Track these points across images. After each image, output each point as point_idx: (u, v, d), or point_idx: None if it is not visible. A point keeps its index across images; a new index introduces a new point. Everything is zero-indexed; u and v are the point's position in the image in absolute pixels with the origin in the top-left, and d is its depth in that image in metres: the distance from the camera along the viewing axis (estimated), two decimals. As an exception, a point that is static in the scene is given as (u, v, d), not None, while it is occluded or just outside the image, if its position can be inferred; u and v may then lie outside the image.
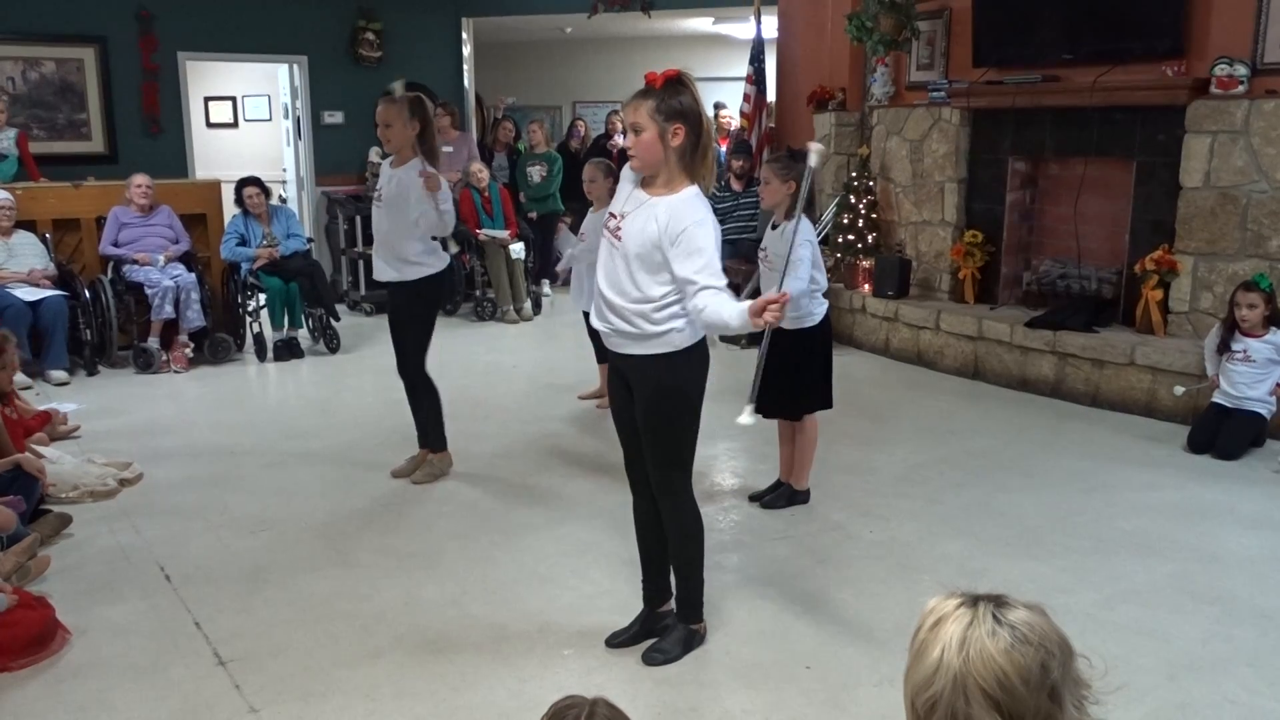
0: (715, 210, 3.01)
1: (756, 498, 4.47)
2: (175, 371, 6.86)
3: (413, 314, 4.66)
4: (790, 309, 3.93)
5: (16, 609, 3.17)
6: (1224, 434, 4.98)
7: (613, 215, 2.99)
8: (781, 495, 4.42)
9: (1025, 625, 1.25)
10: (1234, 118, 5.40)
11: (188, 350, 6.97)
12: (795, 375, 4.19)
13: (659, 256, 2.84)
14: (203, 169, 9.40)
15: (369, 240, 6.43)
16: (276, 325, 7.33)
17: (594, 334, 4.29)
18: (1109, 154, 6.14)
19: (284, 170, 10.53)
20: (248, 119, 11.62)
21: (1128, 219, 6.07)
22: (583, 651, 3.20)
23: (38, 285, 6.64)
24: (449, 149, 8.76)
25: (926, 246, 7.32)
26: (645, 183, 2.95)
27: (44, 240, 6.97)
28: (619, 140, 9.57)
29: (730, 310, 2.74)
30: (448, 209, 4.52)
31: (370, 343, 7.66)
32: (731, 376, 5.39)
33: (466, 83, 10.44)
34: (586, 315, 4.38)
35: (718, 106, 10.69)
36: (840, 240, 7.61)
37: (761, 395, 3.67)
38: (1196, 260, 5.66)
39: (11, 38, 8.27)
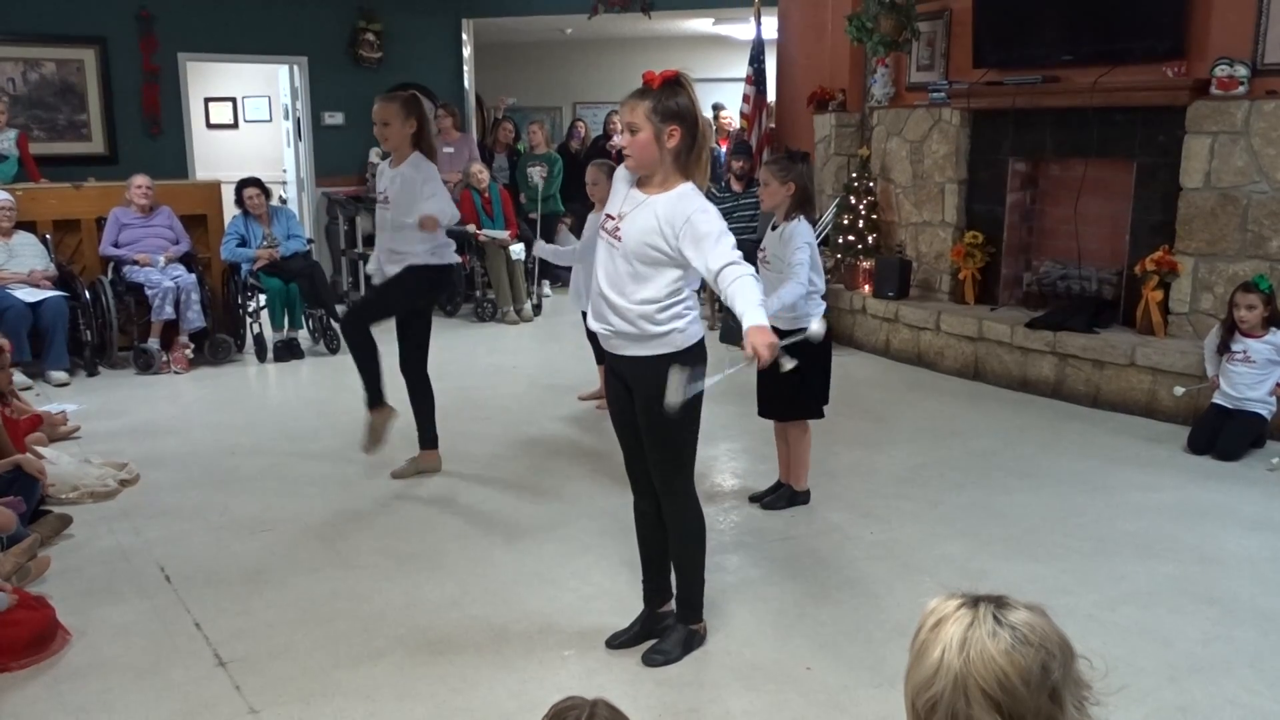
0: (715, 211, 3.01)
1: (757, 499, 4.47)
2: (175, 372, 6.86)
3: (409, 296, 4.58)
4: (787, 311, 3.94)
5: (17, 609, 3.17)
6: (1224, 435, 4.98)
7: (610, 216, 2.98)
8: (782, 496, 4.42)
9: (1026, 626, 1.25)
10: (1234, 118, 5.40)
11: (188, 351, 6.97)
12: (791, 377, 4.17)
13: (662, 254, 2.84)
14: (203, 170, 9.41)
15: (369, 241, 6.43)
16: (277, 326, 7.33)
17: (593, 335, 4.28)
18: (1109, 155, 6.13)
19: (284, 171, 10.54)
20: (248, 120, 11.63)
21: (1128, 220, 6.07)
22: (583, 652, 3.20)
23: (38, 286, 6.64)
24: (450, 150, 8.78)
25: (927, 247, 7.32)
26: (641, 182, 2.96)
27: (44, 241, 6.97)
28: (618, 141, 9.56)
29: (743, 307, 2.73)
30: (452, 213, 4.55)
31: (370, 343, 7.65)
32: (731, 376, 5.37)
33: (467, 83, 10.45)
34: (585, 316, 4.37)
35: (717, 108, 10.69)
36: (840, 241, 7.62)
37: (760, 395, 3.66)
38: (1197, 261, 5.65)
39: (11, 38, 8.28)
